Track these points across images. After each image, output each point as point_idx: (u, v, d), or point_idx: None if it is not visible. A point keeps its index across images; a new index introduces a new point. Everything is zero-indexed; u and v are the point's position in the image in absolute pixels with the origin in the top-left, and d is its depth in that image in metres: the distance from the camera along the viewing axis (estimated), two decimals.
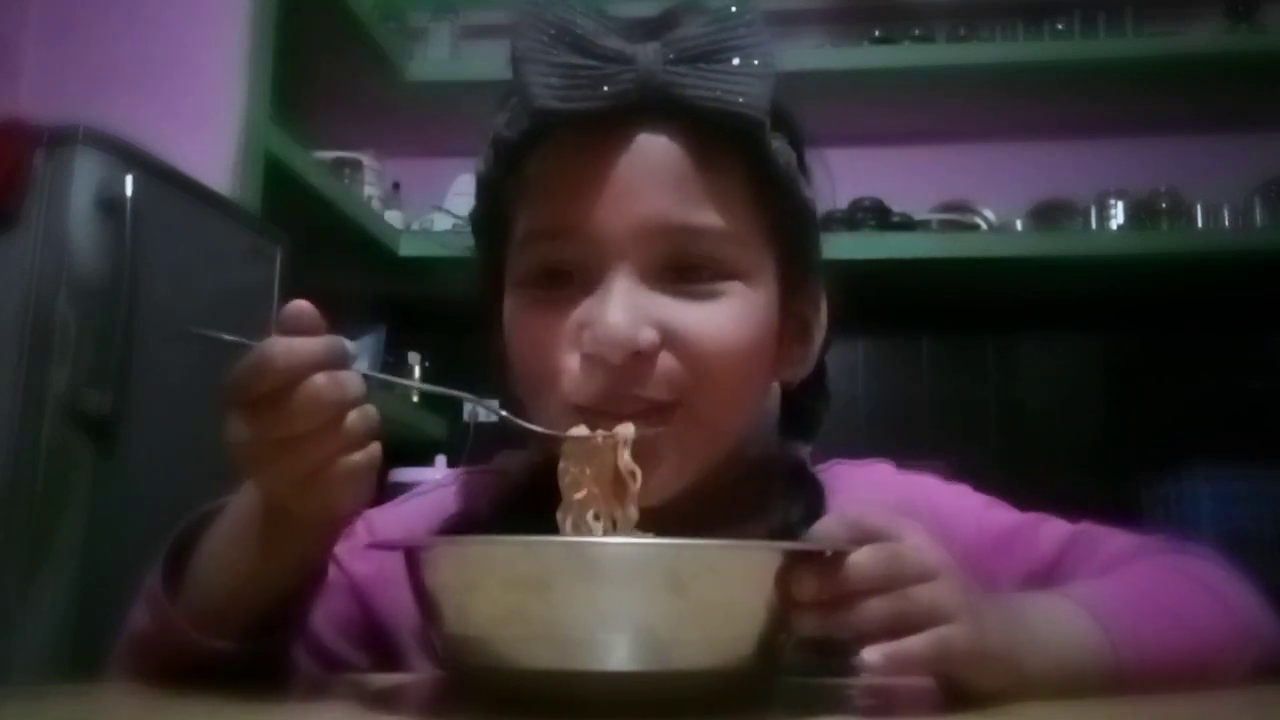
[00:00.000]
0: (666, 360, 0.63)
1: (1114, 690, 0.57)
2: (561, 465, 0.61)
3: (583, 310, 0.63)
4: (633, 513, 0.59)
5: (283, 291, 1.74)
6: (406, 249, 2.40)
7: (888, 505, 0.65)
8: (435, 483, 0.83)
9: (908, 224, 2.44)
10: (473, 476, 0.80)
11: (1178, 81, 2.35)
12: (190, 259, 1.52)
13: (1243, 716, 0.61)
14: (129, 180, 1.38)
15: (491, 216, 0.71)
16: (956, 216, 2.50)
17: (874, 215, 2.40)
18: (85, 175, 1.37)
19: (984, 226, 2.50)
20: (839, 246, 2.40)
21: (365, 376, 0.53)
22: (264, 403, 0.50)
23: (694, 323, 0.63)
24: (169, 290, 1.45)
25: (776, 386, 0.74)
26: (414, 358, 2.56)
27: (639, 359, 0.62)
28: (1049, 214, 2.50)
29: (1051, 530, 0.73)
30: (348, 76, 2.34)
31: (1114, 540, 0.72)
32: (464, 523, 0.73)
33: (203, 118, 1.78)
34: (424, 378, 2.56)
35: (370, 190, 2.39)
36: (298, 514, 0.55)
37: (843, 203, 2.39)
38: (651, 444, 0.62)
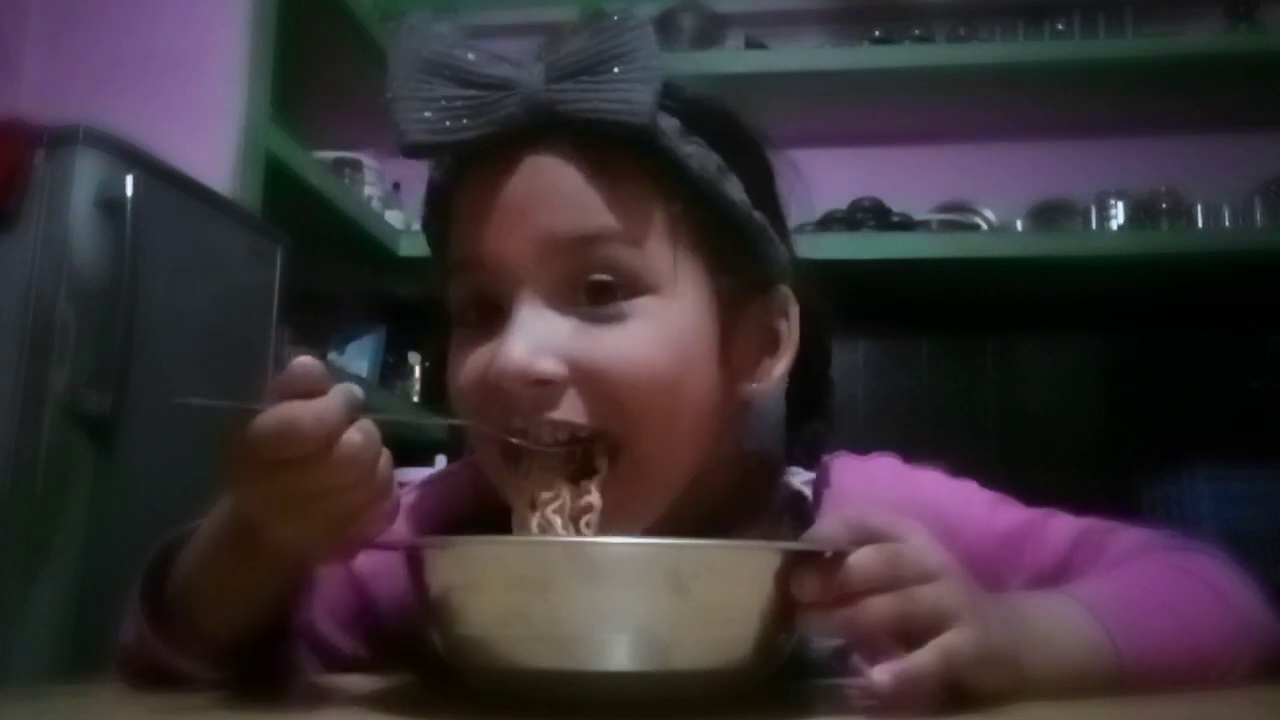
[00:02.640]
0: (579, 393, 0.62)
1: (1116, 690, 0.57)
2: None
3: (495, 342, 0.63)
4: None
5: (283, 291, 1.74)
6: (406, 249, 2.40)
7: (890, 504, 0.65)
8: (426, 479, 0.82)
9: (907, 224, 2.43)
10: (456, 473, 0.79)
11: (1178, 81, 2.35)
12: (190, 259, 1.52)
13: (1243, 716, 0.61)
14: (129, 180, 1.38)
15: (435, 258, 0.71)
16: (956, 217, 2.50)
17: (874, 215, 2.40)
18: (85, 175, 1.37)
19: (984, 227, 2.50)
20: (839, 246, 2.45)
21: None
22: (289, 462, 0.49)
23: (603, 352, 0.62)
24: (169, 290, 1.45)
25: (780, 404, 0.72)
26: (414, 358, 2.56)
27: (544, 388, 0.61)
28: (1049, 214, 2.50)
29: (1059, 528, 0.72)
30: (348, 76, 2.33)
31: (1121, 537, 0.71)
32: (451, 519, 0.73)
33: (203, 118, 1.78)
34: (424, 378, 2.56)
35: (370, 190, 2.39)
36: (313, 558, 0.56)
37: (843, 203, 2.39)
38: (611, 494, 0.62)
